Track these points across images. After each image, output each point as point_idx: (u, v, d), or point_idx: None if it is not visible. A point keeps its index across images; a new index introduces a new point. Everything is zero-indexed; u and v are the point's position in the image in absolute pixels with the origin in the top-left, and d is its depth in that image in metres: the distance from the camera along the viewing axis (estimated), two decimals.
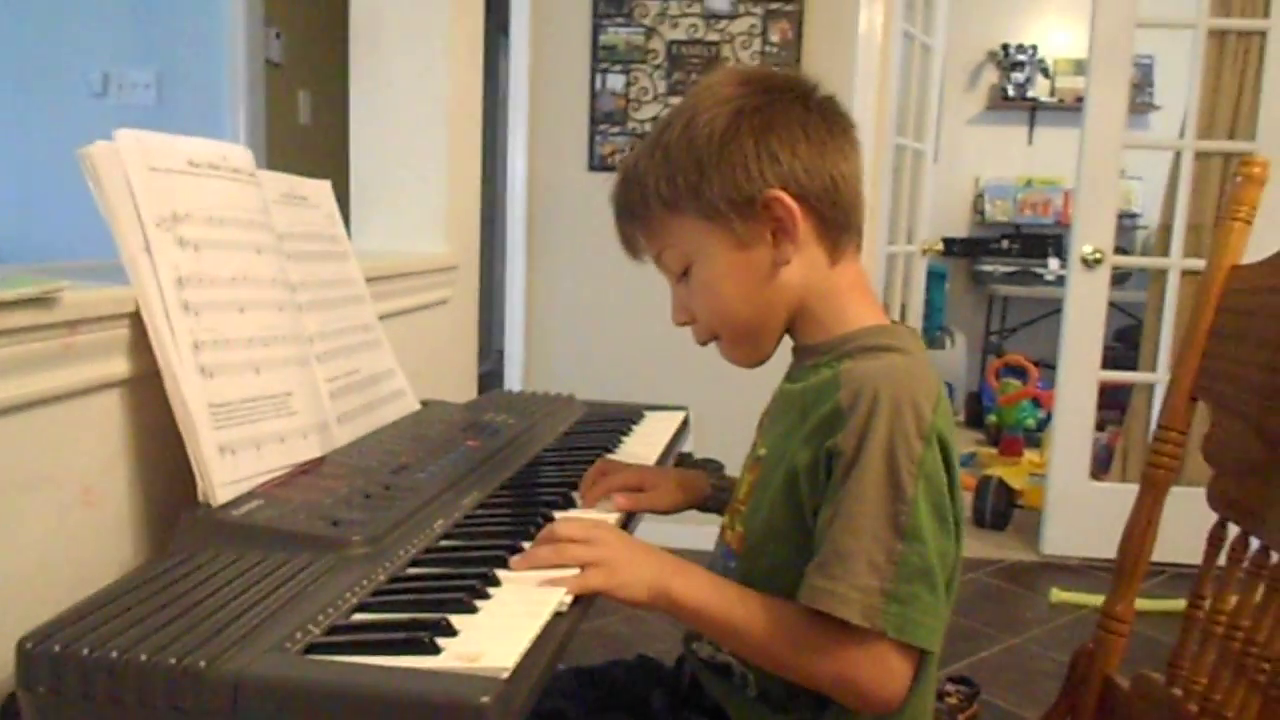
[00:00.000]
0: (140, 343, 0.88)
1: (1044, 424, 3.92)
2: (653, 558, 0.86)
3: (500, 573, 0.80)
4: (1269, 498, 0.94)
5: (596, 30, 3.01)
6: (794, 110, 0.92)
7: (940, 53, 3.57)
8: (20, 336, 0.76)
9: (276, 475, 0.96)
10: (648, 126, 3.01)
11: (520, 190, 3.12)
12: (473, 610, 0.73)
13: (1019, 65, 5.45)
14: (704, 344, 1.00)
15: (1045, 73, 5.47)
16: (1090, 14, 3.02)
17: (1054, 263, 5.21)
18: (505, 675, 0.62)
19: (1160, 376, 3.20)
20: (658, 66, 2.99)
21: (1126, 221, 4.88)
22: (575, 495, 1.04)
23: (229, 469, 0.90)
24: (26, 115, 3.54)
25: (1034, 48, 5.44)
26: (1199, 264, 3.13)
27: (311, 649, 0.66)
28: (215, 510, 0.86)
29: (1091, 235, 3.07)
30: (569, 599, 0.77)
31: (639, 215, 0.98)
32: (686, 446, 1.42)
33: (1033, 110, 5.52)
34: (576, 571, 0.81)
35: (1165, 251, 3.27)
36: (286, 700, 0.62)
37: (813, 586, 0.82)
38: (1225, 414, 1.03)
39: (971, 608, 2.75)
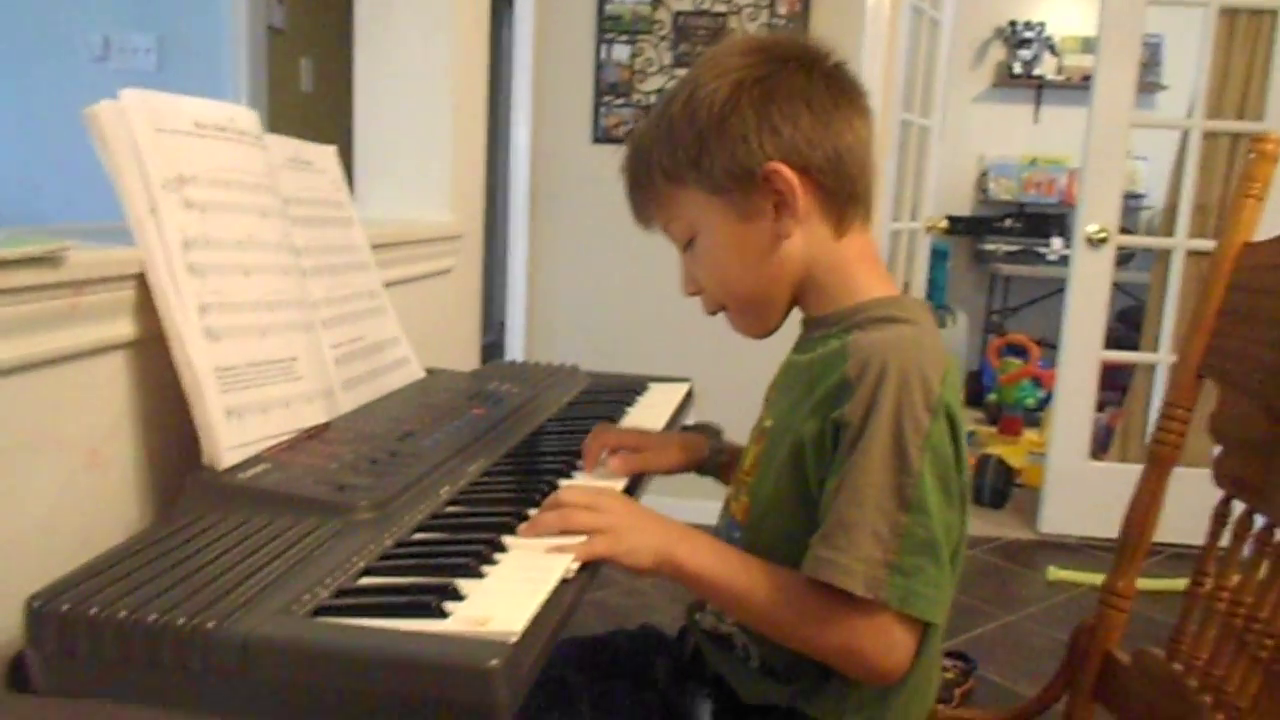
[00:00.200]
0: (146, 304, 0.88)
1: (1044, 403, 3.92)
2: (659, 524, 0.86)
3: (507, 539, 0.80)
4: (1275, 475, 0.93)
5: (602, 0, 2.98)
6: (797, 81, 0.90)
7: (948, 28, 3.54)
8: (26, 296, 0.76)
9: (282, 440, 0.96)
10: (653, 98, 2.99)
11: (523, 162, 3.10)
12: (480, 576, 0.73)
13: (1026, 43, 5.40)
14: (713, 314, 1.00)
15: (1052, 50, 5.43)
16: None
17: (1057, 242, 5.19)
18: (514, 639, 0.63)
19: (1163, 357, 3.20)
20: (664, 37, 2.97)
21: (1131, 202, 4.86)
22: (580, 463, 1.04)
23: (235, 433, 0.90)
24: (26, 80, 3.51)
25: (1041, 25, 5.40)
26: (1204, 244, 3.13)
27: (319, 611, 0.67)
28: (221, 474, 0.86)
29: (1097, 214, 3.06)
30: (575, 566, 0.77)
31: (645, 186, 0.98)
32: (690, 419, 1.41)
33: (1039, 88, 5.48)
34: (583, 539, 0.81)
35: (1170, 232, 3.26)
36: (295, 661, 0.62)
37: (817, 557, 0.82)
38: (1233, 391, 1.02)
39: (969, 585, 2.76)
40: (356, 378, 1.15)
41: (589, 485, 0.97)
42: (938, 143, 3.66)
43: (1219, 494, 1.03)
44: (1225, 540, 1.02)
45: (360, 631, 0.63)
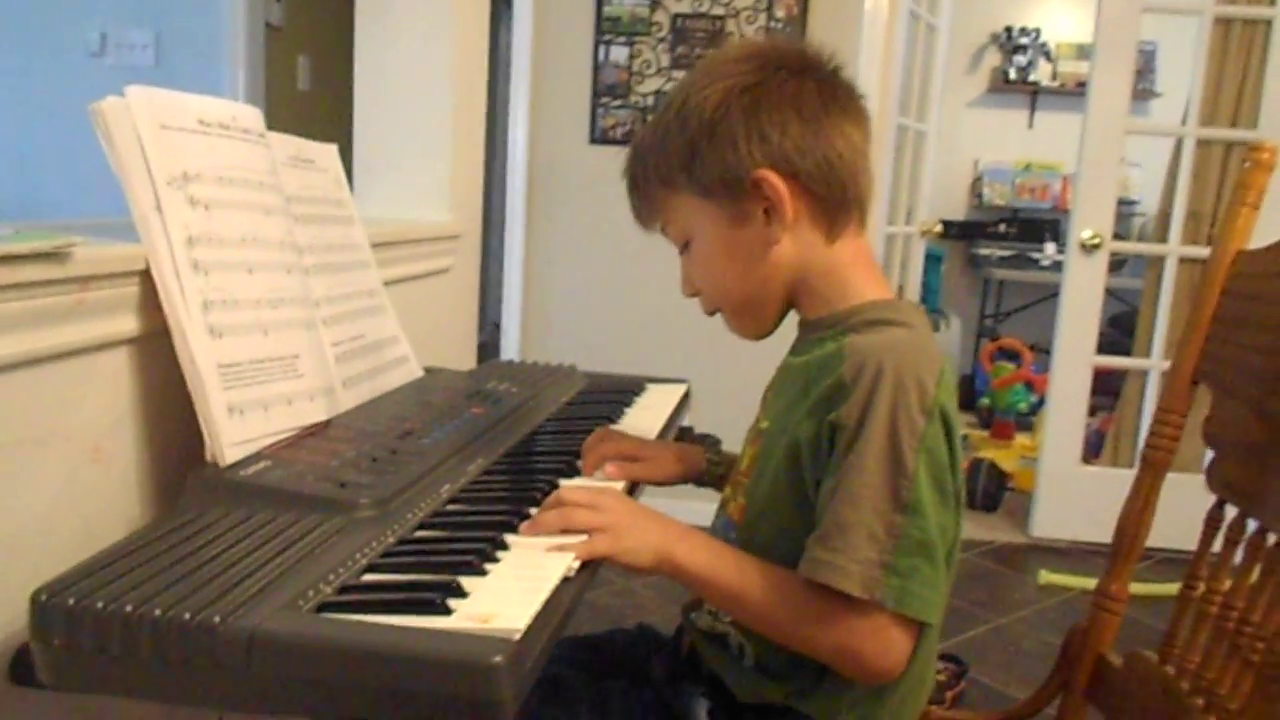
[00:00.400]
0: (149, 301, 0.88)
1: (1036, 408, 3.94)
2: (657, 524, 0.87)
3: (508, 537, 0.81)
4: (1268, 480, 0.94)
5: (600, 1, 2.99)
6: (788, 88, 0.91)
7: (945, 33, 3.55)
8: (33, 291, 0.76)
9: (283, 437, 0.96)
10: (650, 100, 3.00)
11: (520, 162, 3.10)
12: (482, 573, 0.73)
13: (1021, 48, 5.43)
14: (711, 314, 1.01)
15: (1047, 56, 5.45)
16: None
17: (1050, 247, 5.22)
18: (517, 637, 0.63)
19: (1155, 363, 3.21)
20: (662, 39, 2.98)
21: (1124, 208, 4.88)
22: (579, 464, 1.04)
23: (237, 429, 0.90)
24: (24, 75, 3.50)
25: (1037, 31, 5.42)
26: (1197, 251, 3.15)
27: (324, 607, 0.67)
28: (224, 470, 0.86)
29: (1091, 220, 3.08)
30: (576, 564, 0.78)
31: (643, 190, 1.00)
32: (686, 420, 1.42)
33: (1034, 94, 5.51)
34: (583, 538, 0.81)
35: (1164, 238, 3.27)
36: (300, 657, 0.62)
37: (813, 558, 0.83)
38: (1226, 397, 1.04)
39: (960, 587, 2.77)
40: (357, 376, 1.15)
41: (589, 484, 0.98)
42: (933, 147, 3.67)
43: (1210, 500, 1.04)
44: (1218, 545, 1.03)
45: (365, 627, 0.64)
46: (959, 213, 5.61)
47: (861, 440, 0.82)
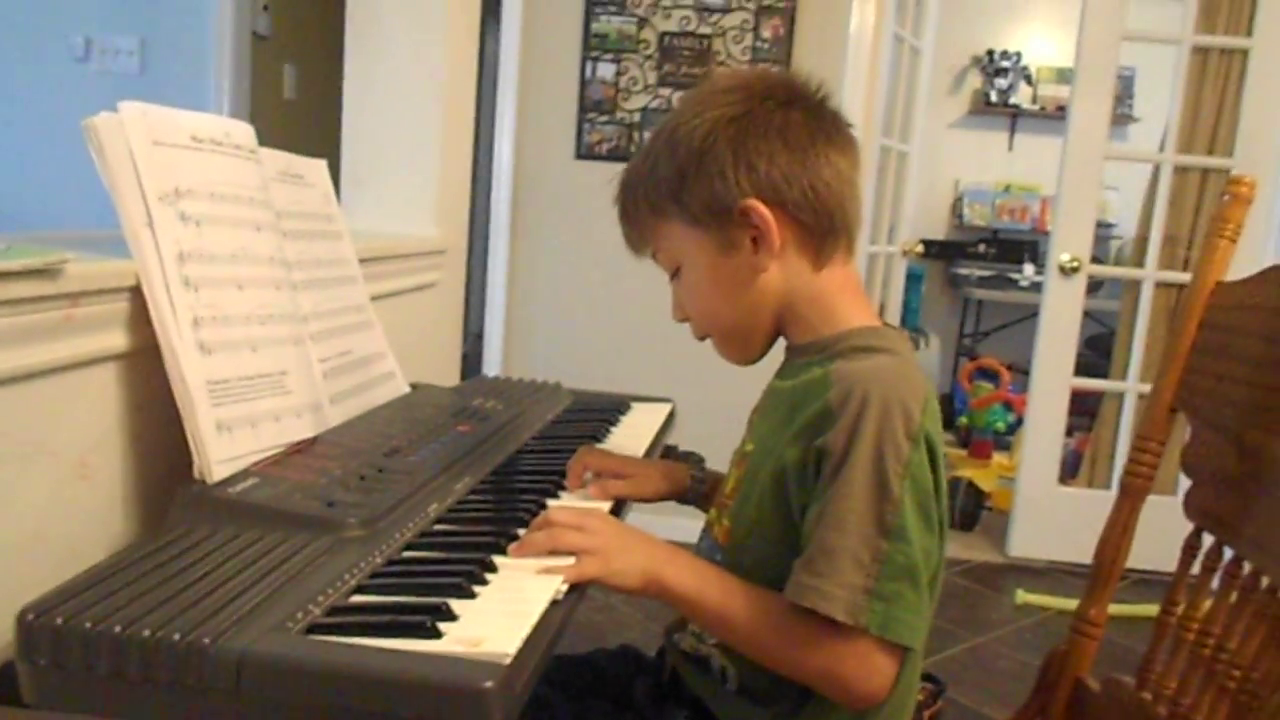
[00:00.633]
0: (138, 316, 0.88)
1: (1014, 427, 3.96)
2: (645, 545, 0.87)
3: (496, 559, 0.81)
4: (1244, 510, 0.96)
5: (588, 18, 3.00)
6: (774, 118, 0.92)
7: (928, 56, 3.59)
8: (22, 307, 0.76)
9: (271, 454, 0.96)
10: (636, 116, 3.01)
11: (506, 176, 3.11)
12: (471, 596, 0.74)
13: (1002, 71, 5.49)
14: (701, 339, 1.02)
15: (1028, 80, 5.52)
16: (1078, 25, 3.05)
17: (1029, 268, 5.26)
18: (507, 661, 0.63)
19: (1131, 385, 3.25)
20: (649, 57, 2.99)
21: (1101, 231, 4.93)
22: (566, 483, 1.05)
23: (225, 446, 0.90)
24: (6, 80, 3.47)
25: (1018, 55, 5.48)
26: (1173, 276, 3.19)
27: (313, 629, 0.67)
28: (212, 487, 0.86)
29: (1070, 244, 3.11)
30: (564, 587, 0.78)
31: (632, 218, 1.01)
32: (668, 439, 1.43)
33: (1014, 117, 5.56)
34: (572, 560, 0.82)
35: (1140, 262, 3.31)
36: (290, 679, 0.62)
37: (799, 583, 0.83)
38: (1205, 427, 1.05)
39: (938, 607, 2.78)
40: (344, 392, 1.15)
41: (577, 505, 0.98)
42: (915, 167, 3.71)
43: (1184, 523, 1.05)
44: (1196, 570, 1.04)
45: (355, 650, 0.64)
46: (939, 232, 5.65)
47: (847, 466, 0.83)
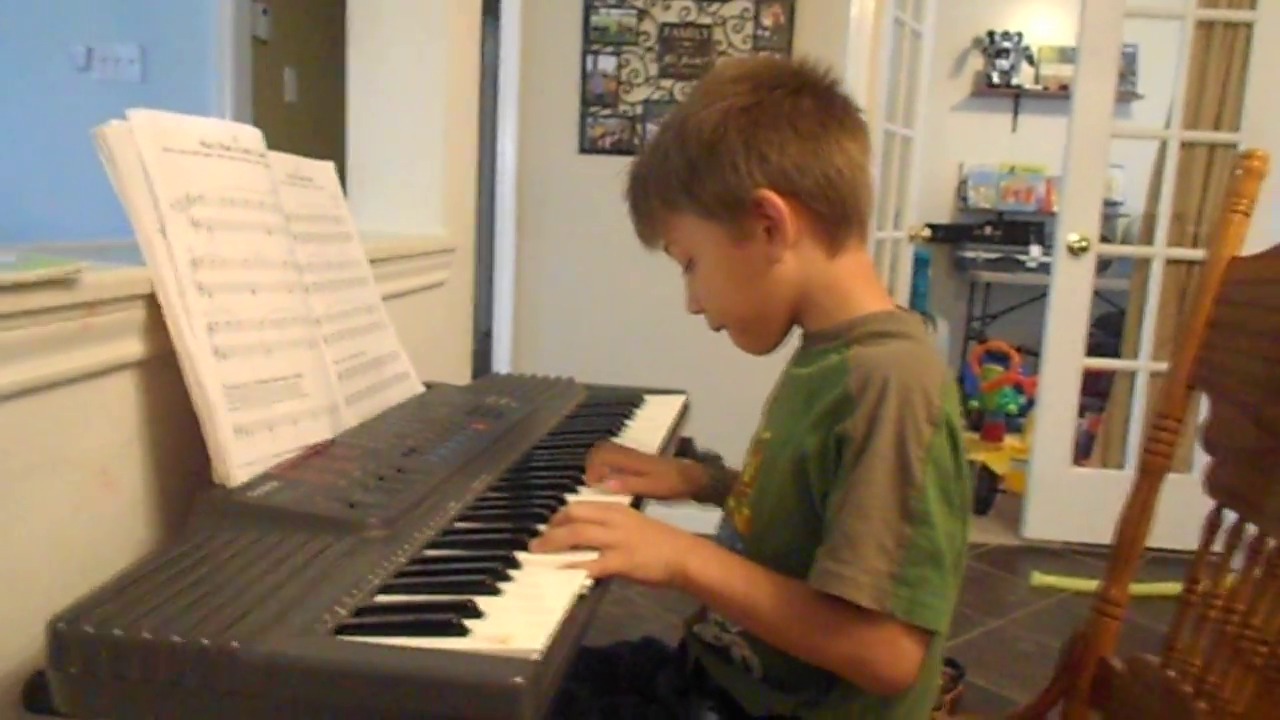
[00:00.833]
0: (154, 323, 0.88)
1: (1025, 409, 3.95)
2: (668, 536, 0.87)
3: (519, 555, 0.81)
4: (1266, 486, 0.96)
5: (588, 11, 3.00)
6: (784, 106, 0.92)
7: (929, 39, 3.58)
8: (40, 318, 0.76)
9: (289, 457, 0.96)
10: (639, 109, 3.00)
11: (510, 172, 3.11)
12: (497, 593, 0.74)
13: (1004, 52, 5.46)
14: (716, 330, 1.02)
15: (1030, 60, 5.49)
16: (1079, 3, 3.03)
17: (1035, 249, 5.25)
18: (536, 657, 0.63)
19: (1143, 364, 3.24)
20: (649, 49, 2.99)
21: (1108, 209, 4.91)
22: (584, 478, 1.05)
23: (244, 450, 0.90)
24: (8, 90, 3.48)
25: (1019, 35, 5.46)
26: (1183, 253, 3.18)
27: (341, 630, 0.67)
28: (233, 492, 0.86)
29: (1078, 224, 3.10)
30: (589, 582, 0.78)
31: (644, 211, 1.01)
32: (684, 431, 1.43)
33: (1016, 97, 5.54)
34: (595, 554, 0.82)
35: (1149, 239, 3.30)
36: (321, 681, 0.62)
37: (824, 570, 0.83)
38: (1224, 403, 1.05)
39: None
40: (359, 393, 1.16)
41: (597, 500, 0.98)
42: (919, 152, 3.69)
43: (1202, 501, 1.05)
44: (1218, 547, 1.04)
45: (384, 650, 0.64)
46: (945, 216, 5.64)
47: (869, 452, 0.83)
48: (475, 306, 2.20)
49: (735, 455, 1.18)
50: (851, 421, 0.85)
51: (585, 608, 0.75)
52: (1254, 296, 1.04)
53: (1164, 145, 3.28)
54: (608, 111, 3.03)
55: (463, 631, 0.67)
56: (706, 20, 2.95)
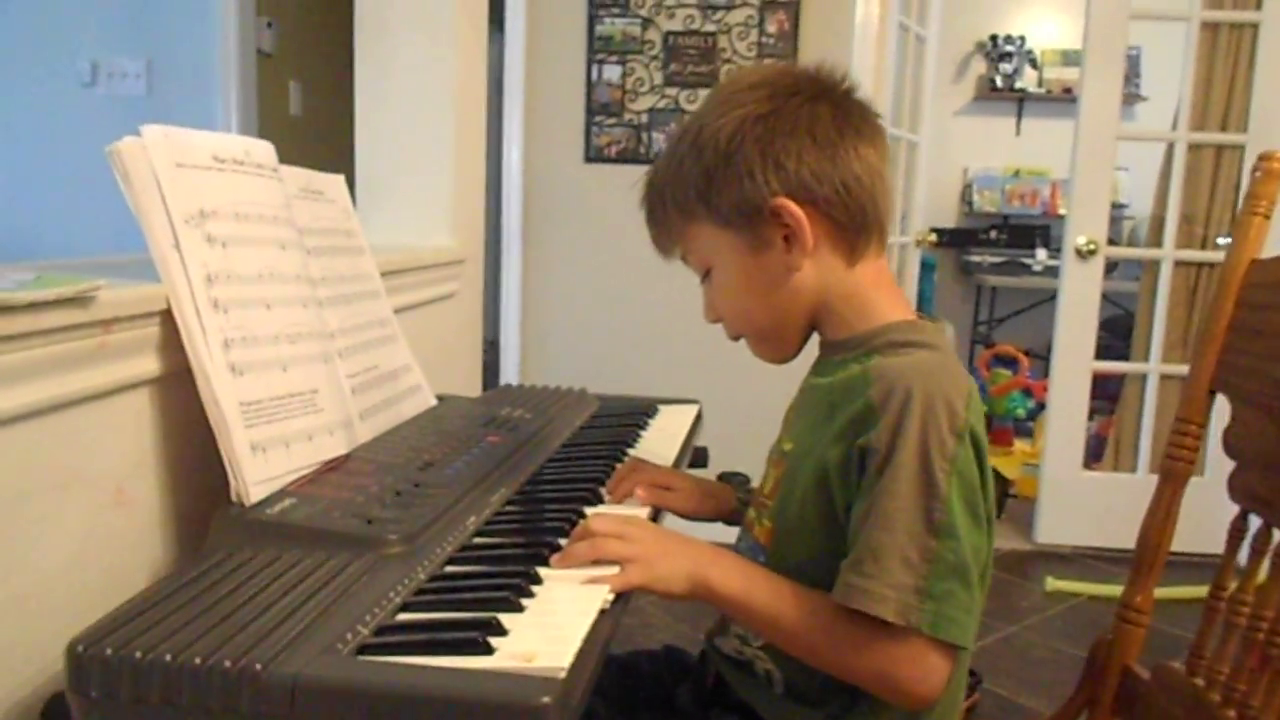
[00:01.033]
0: (170, 340, 0.88)
1: (1034, 413, 3.94)
2: (688, 549, 0.86)
3: (540, 570, 0.80)
4: None
5: (593, 21, 3.00)
6: (801, 114, 0.91)
7: (933, 44, 3.57)
8: (57, 336, 0.76)
9: (305, 473, 0.95)
10: (645, 118, 3.00)
11: (516, 182, 3.11)
12: (519, 609, 0.73)
13: (1007, 56, 5.46)
14: (735, 339, 1.01)
15: (1033, 63, 5.49)
16: (1083, 6, 3.03)
17: (1041, 253, 5.24)
18: (562, 675, 0.63)
19: (1153, 366, 3.23)
20: (654, 57, 2.99)
21: (1114, 211, 4.90)
22: (603, 490, 1.04)
23: (261, 467, 0.89)
24: (14, 104, 3.49)
25: (1022, 38, 5.46)
26: (1192, 255, 3.17)
27: (364, 649, 0.66)
28: (249, 509, 0.86)
29: (1085, 227, 3.09)
30: (611, 596, 0.77)
31: (660, 220, 1.00)
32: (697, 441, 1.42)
33: (1020, 101, 5.54)
34: (616, 569, 0.81)
35: (1157, 242, 3.29)
36: (344, 702, 0.62)
37: (848, 584, 0.82)
38: (1246, 407, 1.04)
39: None
40: (373, 407, 1.15)
41: (617, 513, 0.97)
42: (925, 157, 3.69)
43: (1216, 503, 1.04)
44: (1244, 553, 1.03)
45: (409, 670, 0.63)
46: (950, 220, 5.63)
47: (893, 464, 0.82)
48: (483, 318, 2.21)
49: (744, 464, 1.17)
50: (875, 433, 0.84)
51: (608, 623, 0.75)
52: (1274, 300, 1.03)
53: (1171, 147, 3.27)
54: (613, 120, 3.02)
55: (488, 650, 0.66)
56: (711, 28, 2.95)
